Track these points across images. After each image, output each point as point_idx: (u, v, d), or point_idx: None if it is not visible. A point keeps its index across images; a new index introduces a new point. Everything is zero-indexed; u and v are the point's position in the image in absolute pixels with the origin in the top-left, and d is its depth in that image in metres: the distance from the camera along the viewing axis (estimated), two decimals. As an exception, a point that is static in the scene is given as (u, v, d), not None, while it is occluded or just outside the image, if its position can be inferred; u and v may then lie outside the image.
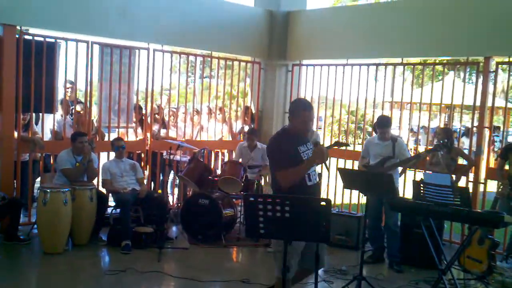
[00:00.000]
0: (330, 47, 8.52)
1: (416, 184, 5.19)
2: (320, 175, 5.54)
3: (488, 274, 5.76)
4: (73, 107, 7.44)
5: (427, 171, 7.03)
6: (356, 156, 7.78)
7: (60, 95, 7.47)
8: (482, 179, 7.21)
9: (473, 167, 7.23)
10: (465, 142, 11.78)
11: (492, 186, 6.98)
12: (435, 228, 5.22)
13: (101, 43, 7.35)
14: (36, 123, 7.23)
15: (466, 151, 7.56)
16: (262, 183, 7.81)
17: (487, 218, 4.50)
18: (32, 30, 6.88)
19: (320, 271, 5.68)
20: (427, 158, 7.10)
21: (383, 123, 6.48)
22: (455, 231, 7.55)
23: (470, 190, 6.52)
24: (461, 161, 7.47)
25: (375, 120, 7.35)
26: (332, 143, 6.60)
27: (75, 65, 7.21)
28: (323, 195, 6.77)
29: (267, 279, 5.35)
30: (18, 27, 6.58)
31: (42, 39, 6.82)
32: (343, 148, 6.99)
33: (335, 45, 8.45)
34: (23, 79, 6.62)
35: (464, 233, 7.11)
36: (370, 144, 6.62)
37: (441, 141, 6.26)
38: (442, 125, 10.23)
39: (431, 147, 6.98)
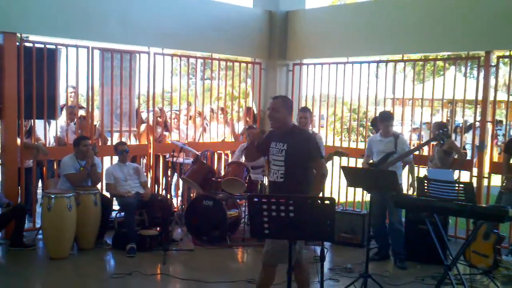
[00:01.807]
0: (330, 46, 8.52)
1: (420, 180, 5.19)
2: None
3: (494, 268, 5.77)
4: (76, 112, 7.46)
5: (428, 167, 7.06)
6: (358, 153, 7.81)
7: (62, 100, 7.49)
8: (486, 174, 7.20)
9: (477, 162, 7.24)
10: (467, 137, 11.77)
11: (496, 180, 6.97)
12: (440, 224, 5.22)
13: (102, 48, 7.37)
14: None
15: (469, 146, 7.55)
16: (266, 183, 7.81)
17: (492, 213, 4.49)
18: (32, 37, 6.89)
19: (325, 270, 5.69)
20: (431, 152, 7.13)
21: (385, 117, 6.50)
22: (460, 227, 7.54)
23: (474, 185, 6.51)
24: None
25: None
26: (333, 152, 6.63)
27: (76, 70, 7.23)
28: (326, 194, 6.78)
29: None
30: (18, 35, 6.60)
31: (42, 46, 6.84)
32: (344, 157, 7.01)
33: (335, 44, 8.45)
34: (24, 86, 6.64)
35: (469, 228, 7.10)
36: (373, 141, 6.62)
37: (441, 131, 6.26)
38: (444, 121, 10.21)
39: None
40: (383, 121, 6.45)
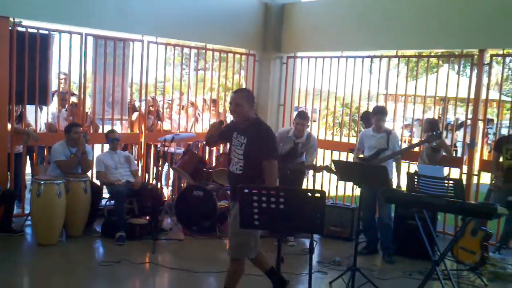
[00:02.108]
0: (324, 40, 8.51)
1: (410, 176, 5.21)
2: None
3: (481, 265, 5.81)
4: (68, 99, 7.41)
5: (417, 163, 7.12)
6: (347, 147, 7.84)
7: (54, 87, 7.44)
8: (475, 171, 7.25)
9: (467, 159, 7.29)
10: (459, 134, 11.83)
11: (486, 178, 7.02)
12: (429, 219, 5.25)
13: (95, 35, 7.32)
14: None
15: (459, 144, 7.60)
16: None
17: (480, 210, 4.51)
18: (25, 22, 6.84)
19: (314, 262, 5.72)
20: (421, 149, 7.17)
21: (379, 110, 6.53)
22: (448, 223, 7.60)
23: (464, 182, 6.56)
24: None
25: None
26: (323, 166, 6.64)
27: (69, 57, 7.18)
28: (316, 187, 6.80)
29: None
30: (11, 19, 6.53)
31: (35, 31, 6.78)
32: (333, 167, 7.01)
33: (330, 38, 8.45)
34: (16, 71, 6.58)
35: (457, 225, 7.15)
36: (365, 136, 6.65)
37: (434, 132, 6.31)
38: (436, 118, 10.26)
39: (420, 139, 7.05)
40: (376, 114, 6.47)
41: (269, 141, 4.35)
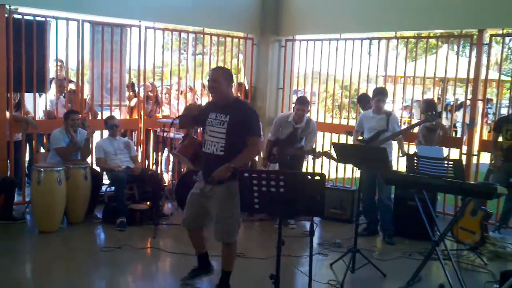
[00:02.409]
0: (323, 22, 8.45)
1: (410, 157, 5.21)
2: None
3: (480, 244, 5.84)
4: (65, 85, 7.39)
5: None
6: (346, 130, 7.83)
7: (51, 74, 7.41)
8: (475, 151, 7.25)
9: (467, 140, 7.29)
10: (458, 115, 11.81)
11: (485, 158, 7.02)
12: (428, 200, 5.26)
13: (92, 21, 7.27)
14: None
15: (459, 124, 7.60)
16: (256, 159, 7.82)
17: (480, 190, 4.52)
18: (21, 9, 6.79)
19: (314, 245, 5.75)
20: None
21: (379, 91, 6.53)
22: (448, 203, 7.62)
23: (464, 162, 6.57)
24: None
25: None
26: (323, 151, 6.65)
27: (66, 44, 7.13)
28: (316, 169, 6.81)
29: (263, 253, 5.41)
30: (7, 6, 6.47)
31: (32, 18, 6.72)
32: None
33: (329, 20, 8.39)
34: (13, 59, 6.55)
35: (457, 205, 7.17)
36: (364, 117, 6.64)
37: (433, 112, 6.31)
38: (436, 99, 10.24)
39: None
40: (376, 95, 6.45)
41: (255, 119, 4.37)
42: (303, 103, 6.74)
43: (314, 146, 6.90)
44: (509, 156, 6.36)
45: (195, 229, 4.66)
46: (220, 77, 4.28)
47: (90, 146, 6.96)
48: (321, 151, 6.72)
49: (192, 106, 4.74)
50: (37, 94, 6.98)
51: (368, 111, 6.68)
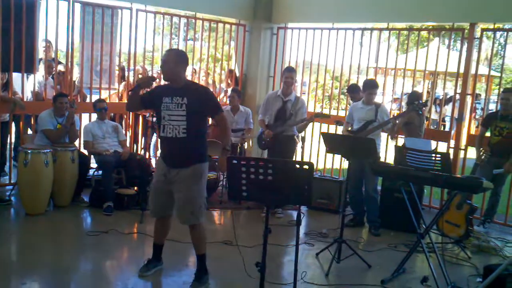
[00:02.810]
0: (316, 10, 8.43)
1: (398, 149, 5.23)
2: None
3: (465, 238, 5.90)
4: (55, 67, 7.31)
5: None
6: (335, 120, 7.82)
7: (40, 55, 7.32)
8: (463, 146, 7.30)
9: (454, 134, 7.33)
10: (447, 109, 11.88)
11: (473, 152, 7.07)
12: (415, 193, 5.29)
13: (83, 1, 7.18)
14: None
15: (448, 118, 7.63)
16: (245, 147, 7.81)
17: (466, 184, 4.55)
18: (10, -12, 6.68)
19: (301, 234, 5.77)
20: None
21: (370, 84, 6.52)
22: (434, 196, 7.69)
23: (451, 156, 6.61)
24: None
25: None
26: (313, 114, 6.66)
27: (56, 24, 7.03)
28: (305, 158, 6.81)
29: (250, 241, 5.42)
30: (-4, -16, 6.39)
31: (21, -4, 6.63)
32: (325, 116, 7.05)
33: (321, 8, 8.37)
34: (2, 38, 6.45)
35: (443, 199, 7.23)
36: (354, 109, 6.64)
37: (420, 101, 6.33)
38: (425, 92, 10.27)
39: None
40: (367, 88, 6.45)
41: (212, 95, 4.57)
42: (290, 71, 6.74)
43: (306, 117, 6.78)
44: (496, 152, 6.42)
45: (164, 218, 4.68)
46: (171, 59, 4.28)
47: (78, 128, 6.91)
48: (313, 114, 6.71)
49: (146, 78, 4.66)
50: (25, 75, 6.89)
51: (358, 103, 6.69)
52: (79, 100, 7.35)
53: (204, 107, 4.31)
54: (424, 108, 6.63)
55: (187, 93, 4.26)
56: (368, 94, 6.43)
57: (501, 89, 6.88)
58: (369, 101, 6.44)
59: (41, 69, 7.28)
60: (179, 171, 4.31)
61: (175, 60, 4.28)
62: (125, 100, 7.83)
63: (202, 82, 8.75)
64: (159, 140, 4.81)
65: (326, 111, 9.14)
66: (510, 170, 6.27)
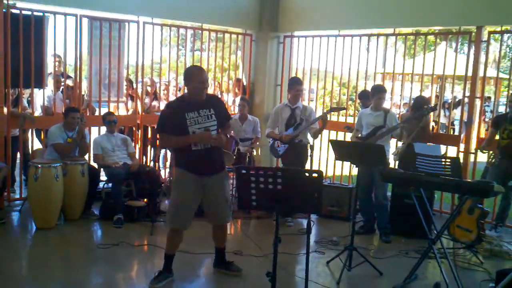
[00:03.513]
0: (322, 18, 8.44)
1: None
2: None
3: (477, 243, 5.84)
4: (63, 81, 7.37)
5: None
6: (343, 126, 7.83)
7: (49, 69, 7.39)
8: (472, 149, 7.25)
9: (464, 138, 7.29)
10: (456, 112, 11.81)
11: (483, 156, 7.02)
12: (425, 198, 5.25)
13: (90, 16, 7.25)
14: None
15: (457, 122, 7.59)
16: (254, 154, 7.80)
17: (477, 188, 4.51)
18: (19, 4, 6.76)
19: (311, 242, 5.75)
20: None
21: (379, 89, 6.51)
22: (445, 201, 7.63)
23: (461, 160, 6.56)
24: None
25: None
26: (331, 107, 6.74)
27: (64, 39, 7.11)
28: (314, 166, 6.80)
29: (260, 251, 5.40)
30: (5, 1, 6.46)
31: (29, 13, 6.70)
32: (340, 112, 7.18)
33: (327, 16, 8.38)
34: (11, 54, 6.53)
35: (454, 203, 7.17)
36: (363, 115, 6.63)
37: (428, 106, 6.31)
38: (433, 96, 10.24)
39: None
40: (376, 93, 6.44)
41: (224, 105, 4.97)
42: (300, 83, 6.81)
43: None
44: (505, 154, 6.37)
45: (185, 230, 4.78)
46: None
47: (88, 142, 6.95)
48: (329, 108, 6.77)
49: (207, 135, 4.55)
50: (35, 90, 6.95)
51: (367, 109, 6.68)
52: (88, 114, 7.40)
53: (223, 114, 4.68)
54: (432, 112, 6.60)
55: (212, 104, 4.55)
56: (377, 99, 6.42)
57: (510, 92, 6.84)
58: (378, 106, 6.43)
59: (50, 83, 7.34)
60: (212, 176, 4.56)
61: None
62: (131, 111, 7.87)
63: (214, 92, 8.78)
64: (175, 153, 4.98)
65: (334, 118, 9.13)
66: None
